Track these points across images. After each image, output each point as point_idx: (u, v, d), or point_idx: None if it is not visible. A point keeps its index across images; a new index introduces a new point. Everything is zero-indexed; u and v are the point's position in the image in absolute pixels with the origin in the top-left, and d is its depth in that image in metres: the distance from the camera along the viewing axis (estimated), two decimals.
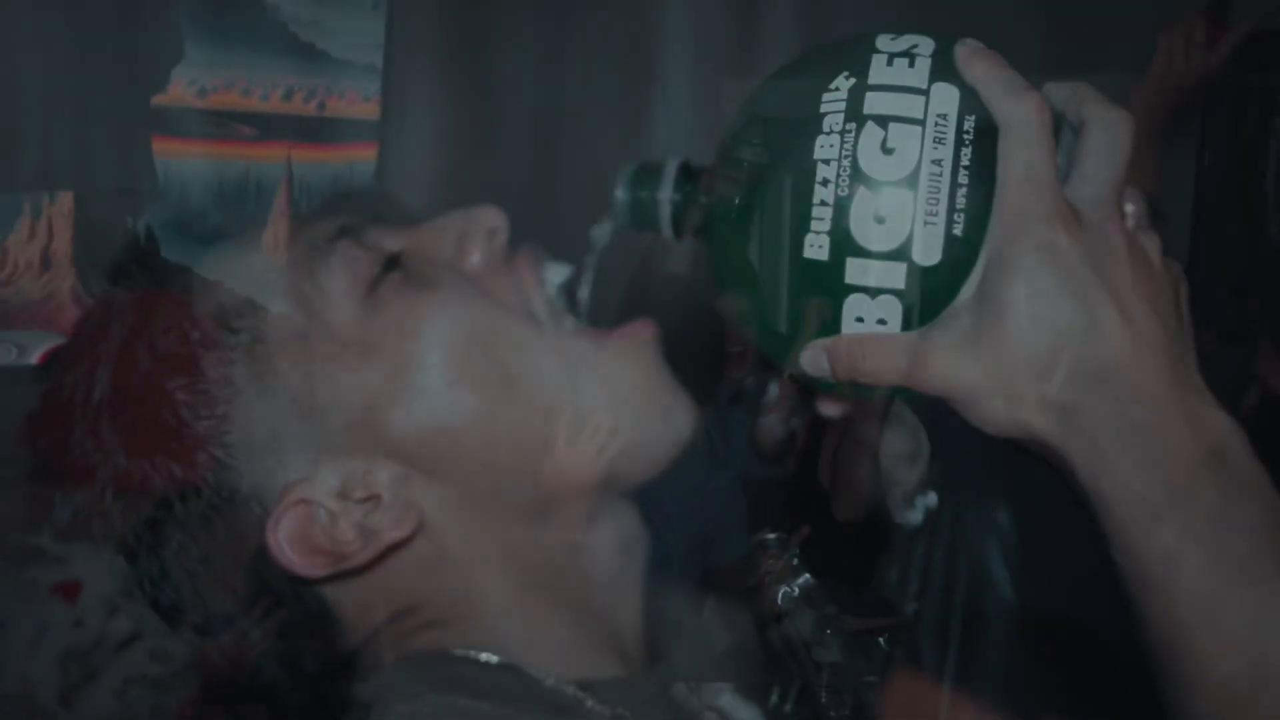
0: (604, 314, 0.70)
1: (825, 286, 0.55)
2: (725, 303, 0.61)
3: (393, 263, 0.66)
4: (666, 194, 0.62)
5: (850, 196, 0.54)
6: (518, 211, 0.70)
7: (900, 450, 2.26)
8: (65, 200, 3.35)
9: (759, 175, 0.57)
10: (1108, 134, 0.54)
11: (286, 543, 0.63)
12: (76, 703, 1.18)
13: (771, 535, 2.19)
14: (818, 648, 2.07)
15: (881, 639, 2.31)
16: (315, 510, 0.63)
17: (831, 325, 0.56)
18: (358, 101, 3.68)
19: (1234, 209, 3.78)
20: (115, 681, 1.18)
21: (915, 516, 2.26)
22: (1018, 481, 2.01)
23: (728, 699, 0.72)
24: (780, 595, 2.06)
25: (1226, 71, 1.73)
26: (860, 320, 0.55)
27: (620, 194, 0.63)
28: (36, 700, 1.19)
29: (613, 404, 0.66)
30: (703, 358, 2.14)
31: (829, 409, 0.64)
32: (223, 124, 3.47)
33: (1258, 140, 3.75)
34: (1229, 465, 0.53)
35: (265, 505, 0.64)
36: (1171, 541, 0.52)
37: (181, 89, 3.42)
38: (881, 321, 0.55)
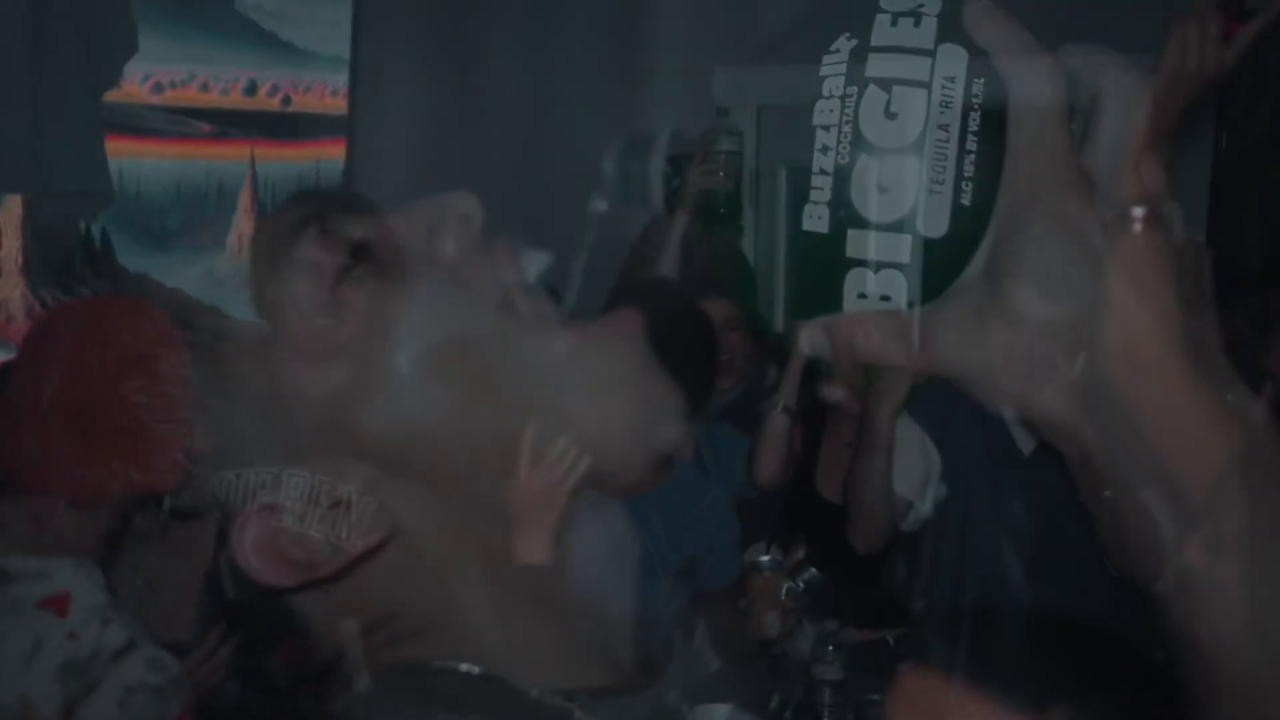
0: (589, 315, 0.69)
1: (825, 260, 0.55)
2: (721, 294, 0.60)
3: (360, 253, 0.65)
4: (657, 166, 0.62)
5: (851, 164, 0.53)
6: (502, 208, 0.70)
7: (905, 448, 2.26)
8: (14, 205, 3.33)
9: (755, 146, 0.56)
10: (1125, 100, 0.54)
11: (253, 552, 0.62)
12: (80, 714, 1.19)
13: (765, 557, 2.19)
14: (818, 665, 2.07)
15: (890, 638, 2.32)
16: (282, 517, 0.63)
17: (832, 302, 0.55)
18: (325, 95, 3.68)
19: (1252, 196, 3.80)
20: (116, 691, 1.19)
21: (925, 508, 2.26)
22: (1026, 476, 2.02)
23: (725, 715, 0.72)
24: (784, 590, 2.06)
25: (1243, 60, 1.71)
26: (862, 296, 0.55)
27: (610, 166, 0.63)
28: (38, 715, 1.19)
29: (597, 399, 0.65)
30: (694, 363, 2.12)
31: (833, 394, 0.64)
32: (180, 121, 3.46)
33: (1276, 125, 3.78)
34: (1257, 464, 0.52)
35: (230, 513, 0.63)
36: (1195, 557, 0.51)
37: (136, 85, 3.41)
38: (885, 298, 0.54)
